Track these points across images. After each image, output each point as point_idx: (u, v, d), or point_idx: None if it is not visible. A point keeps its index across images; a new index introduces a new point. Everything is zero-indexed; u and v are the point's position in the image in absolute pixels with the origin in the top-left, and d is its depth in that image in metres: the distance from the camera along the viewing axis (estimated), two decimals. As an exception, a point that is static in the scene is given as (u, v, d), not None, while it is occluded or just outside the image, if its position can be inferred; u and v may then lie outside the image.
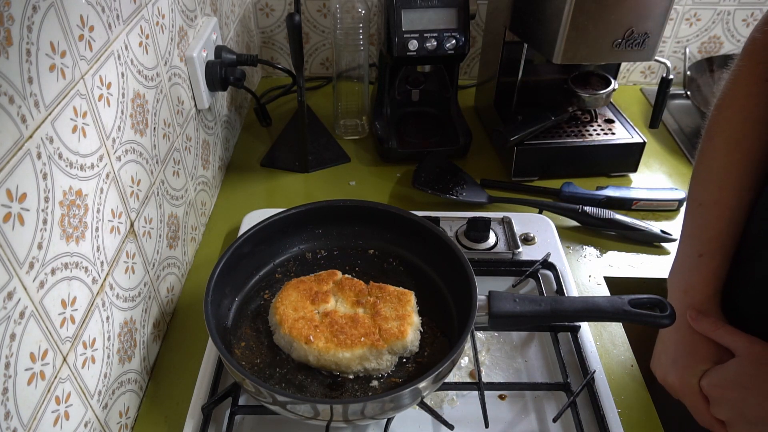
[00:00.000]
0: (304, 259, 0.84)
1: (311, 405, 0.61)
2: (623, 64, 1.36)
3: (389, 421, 0.67)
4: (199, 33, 0.92)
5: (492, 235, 0.92)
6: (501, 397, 0.73)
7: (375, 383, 0.69)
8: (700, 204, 0.69)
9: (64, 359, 0.55)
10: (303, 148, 1.11)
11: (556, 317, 0.73)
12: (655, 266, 0.94)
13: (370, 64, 1.24)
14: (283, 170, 1.14)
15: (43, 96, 0.51)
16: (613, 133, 1.11)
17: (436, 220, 0.93)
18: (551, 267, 0.88)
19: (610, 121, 1.14)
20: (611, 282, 0.91)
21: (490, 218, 0.91)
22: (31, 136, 0.49)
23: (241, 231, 0.91)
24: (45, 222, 0.51)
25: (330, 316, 0.71)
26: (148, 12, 0.73)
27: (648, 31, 0.89)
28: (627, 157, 1.10)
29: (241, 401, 0.70)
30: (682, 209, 1.04)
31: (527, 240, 0.93)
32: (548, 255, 0.88)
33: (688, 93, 1.22)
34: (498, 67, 1.13)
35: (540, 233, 0.95)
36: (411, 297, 0.75)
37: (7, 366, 0.47)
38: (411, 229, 0.82)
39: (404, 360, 0.71)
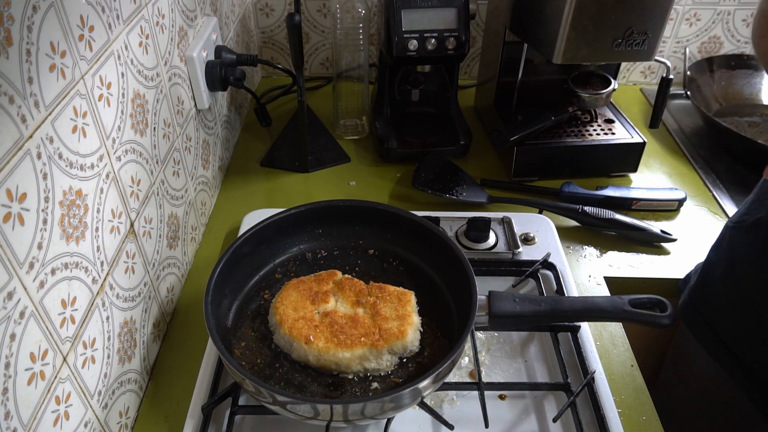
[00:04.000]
0: (304, 259, 0.84)
1: (311, 405, 0.61)
2: (623, 64, 1.36)
3: (389, 421, 0.67)
4: (199, 33, 0.92)
5: (492, 235, 0.92)
6: (501, 397, 0.73)
7: (375, 383, 0.69)
8: None
9: (64, 359, 0.55)
10: (303, 148, 1.11)
11: (556, 317, 0.73)
12: (655, 266, 0.94)
13: (370, 64, 1.24)
14: (283, 170, 1.14)
15: (43, 96, 0.51)
16: (613, 133, 1.11)
17: (436, 220, 0.93)
18: (551, 267, 0.88)
19: (610, 121, 1.14)
20: (611, 282, 0.91)
21: (490, 218, 0.91)
22: (31, 136, 0.49)
23: (241, 231, 0.91)
24: (45, 222, 0.51)
25: (330, 316, 0.71)
26: (148, 12, 0.73)
27: (648, 31, 0.89)
28: (627, 157, 1.10)
29: (241, 401, 0.70)
30: (682, 209, 1.04)
31: (527, 240, 0.93)
32: (548, 255, 0.88)
33: (688, 93, 1.22)
34: (498, 67, 1.13)
35: (540, 233, 0.95)
36: (411, 297, 0.75)
37: (7, 366, 0.47)
38: (411, 229, 0.82)
39: (404, 360, 0.71)
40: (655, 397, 0.75)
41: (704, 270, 0.81)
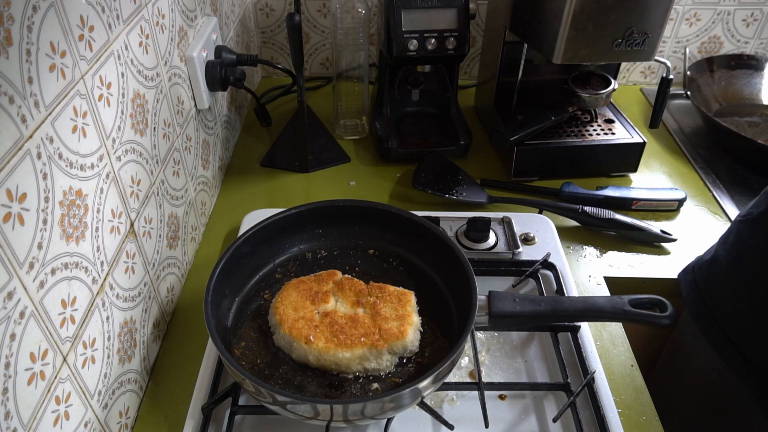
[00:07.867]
0: (304, 259, 0.84)
1: (311, 405, 0.61)
2: (623, 64, 1.36)
3: (389, 421, 0.67)
4: (199, 33, 0.92)
5: (492, 235, 0.92)
6: (501, 397, 0.73)
7: (375, 383, 0.69)
8: None
9: (64, 359, 0.55)
10: (303, 148, 1.11)
11: (556, 317, 0.73)
12: (655, 266, 0.94)
13: (370, 64, 1.24)
14: (283, 170, 1.14)
15: (43, 96, 0.51)
16: (613, 133, 1.11)
17: (436, 220, 0.93)
18: (551, 267, 0.88)
19: (610, 121, 1.14)
20: (611, 282, 0.91)
21: (490, 218, 0.91)
22: (31, 136, 0.49)
23: (241, 231, 0.91)
24: (45, 222, 0.51)
25: (330, 316, 0.71)
26: (148, 12, 0.73)
27: (648, 31, 0.89)
28: (627, 157, 1.10)
29: (241, 401, 0.70)
30: (682, 209, 1.04)
31: (527, 240, 0.93)
32: (548, 255, 0.88)
33: (688, 93, 1.22)
34: (498, 67, 1.13)
35: (540, 233, 0.95)
36: (411, 297, 0.75)
37: (7, 366, 0.47)
38: (411, 229, 0.82)
39: (404, 360, 0.71)
40: (654, 396, 0.75)
41: (711, 262, 0.82)
